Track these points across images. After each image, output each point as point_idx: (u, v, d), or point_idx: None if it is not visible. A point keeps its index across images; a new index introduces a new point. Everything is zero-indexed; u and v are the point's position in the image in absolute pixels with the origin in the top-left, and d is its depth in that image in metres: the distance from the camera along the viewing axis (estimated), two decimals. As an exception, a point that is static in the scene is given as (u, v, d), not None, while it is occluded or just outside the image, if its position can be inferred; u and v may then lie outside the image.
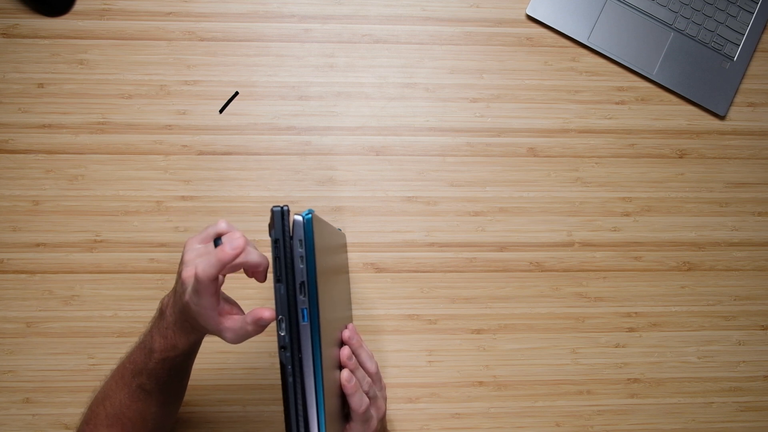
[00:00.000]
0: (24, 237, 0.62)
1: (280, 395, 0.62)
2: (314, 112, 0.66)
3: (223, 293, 0.44)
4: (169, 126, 0.64)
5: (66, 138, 0.64)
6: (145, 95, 0.65)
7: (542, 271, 0.65)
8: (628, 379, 0.65)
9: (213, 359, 0.62)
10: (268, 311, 0.39)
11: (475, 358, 0.64)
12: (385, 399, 0.49)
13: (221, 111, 0.65)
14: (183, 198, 0.64)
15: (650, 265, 0.66)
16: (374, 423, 0.45)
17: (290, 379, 0.36)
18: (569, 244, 0.66)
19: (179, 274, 0.43)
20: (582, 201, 0.67)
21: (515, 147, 0.67)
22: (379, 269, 0.64)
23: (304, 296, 0.37)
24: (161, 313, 0.45)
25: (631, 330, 0.65)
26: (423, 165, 0.66)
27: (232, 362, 0.62)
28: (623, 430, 0.64)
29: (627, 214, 0.67)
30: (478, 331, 0.64)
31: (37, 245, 0.62)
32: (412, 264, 0.64)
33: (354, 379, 0.43)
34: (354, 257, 0.64)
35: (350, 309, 0.60)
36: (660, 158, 0.68)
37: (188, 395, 0.61)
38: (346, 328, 0.48)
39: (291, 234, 0.36)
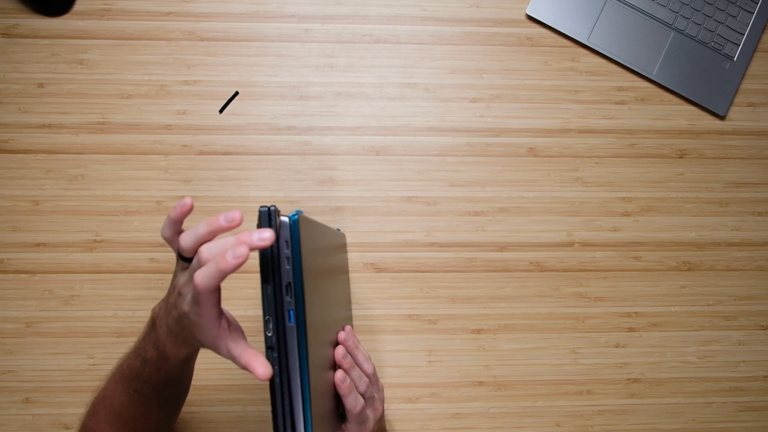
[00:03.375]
0: (24, 237, 0.62)
1: (280, 395, 0.62)
2: (314, 112, 0.66)
3: (226, 311, 0.42)
4: (169, 126, 0.64)
5: (66, 138, 0.64)
6: (145, 95, 0.65)
7: (542, 271, 0.65)
8: (628, 379, 0.65)
9: (213, 359, 0.62)
10: (261, 368, 0.36)
11: (475, 358, 0.64)
12: (382, 401, 0.49)
13: (221, 111, 0.65)
14: (183, 198, 0.63)
15: (650, 265, 0.66)
16: (371, 424, 0.45)
17: (277, 380, 0.36)
18: (569, 244, 0.66)
19: (173, 282, 0.40)
20: (582, 201, 0.67)
21: (515, 147, 0.67)
22: (379, 269, 0.64)
23: (291, 297, 0.37)
24: (153, 323, 0.43)
25: (631, 330, 0.65)
26: (423, 165, 0.66)
27: (233, 362, 0.62)
28: (623, 430, 0.64)
29: (627, 214, 0.67)
30: (478, 331, 0.64)
31: (37, 245, 0.62)
32: (412, 264, 0.64)
33: (348, 380, 0.42)
34: (354, 257, 0.64)
35: (350, 309, 0.60)
36: (660, 158, 0.68)
37: (189, 395, 0.61)
38: (342, 329, 0.47)
39: (278, 234, 0.36)
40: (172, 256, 0.63)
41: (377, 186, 0.65)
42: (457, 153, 0.66)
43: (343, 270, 0.57)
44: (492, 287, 0.65)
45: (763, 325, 0.66)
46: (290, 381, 0.37)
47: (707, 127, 0.69)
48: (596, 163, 0.67)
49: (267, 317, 0.36)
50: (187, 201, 0.40)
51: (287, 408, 0.36)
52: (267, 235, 0.35)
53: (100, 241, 0.63)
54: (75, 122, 0.64)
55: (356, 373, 0.45)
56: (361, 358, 0.47)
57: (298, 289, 0.37)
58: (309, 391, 0.37)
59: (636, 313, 0.66)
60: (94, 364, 0.61)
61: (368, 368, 0.47)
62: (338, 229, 0.59)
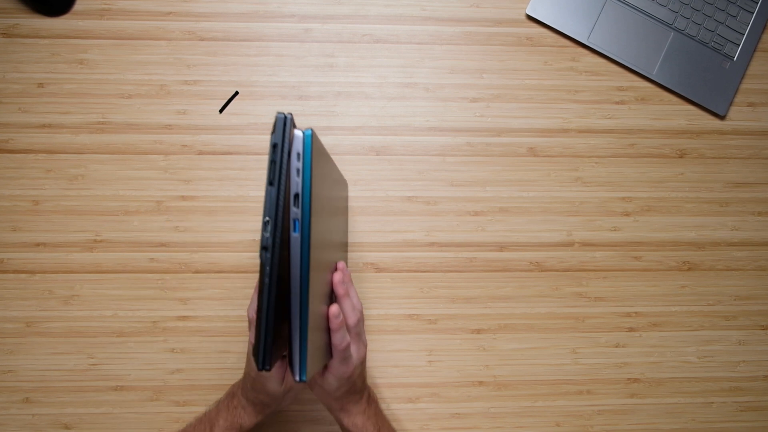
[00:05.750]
0: (24, 237, 0.62)
1: (280, 395, 0.62)
2: (314, 112, 0.66)
3: None
4: (169, 126, 0.64)
5: (66, 138, 0.64)
6: (145, 95, 0.65)
7: (542, 271, 0.65)
8: (628, 379, 0.65)
9: (213, 359, 0.62)
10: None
11: (475, 358, 0.64)
12: (365, 345, 0.49)
13: (221, 111, 0.65)
14: (183, 198, 0.63)
15: (650, 265, 0.66)
16: (353, 362, 0.45)
17: (266, 280, 0.36)
18: (569, 244, 0.66)
19: (249, 355, 0.47)
20: (582, 201, 0.67)
21: (515, 147, 0.67)
22: (379, 269, 0.64)
23: (298, 208, 0.37)
24: (232, 395, 0.49)
25: (631, 330, 0.65)
26: (423, 165, 0.66)
27: (232, 362, 0.62)
28: (623, 430, 0.64)
29: (627, 214, 0.67)
30: (478, 331, 0.64)
31: (37, 245, 0.62)
32: (412, 264, 0.64)
33: (341, 316, 0.42)
34: (354, 257, 0.64)
35: (346, 250, 0.60)
36: (660, 158, 0.68)
37: (188, 395, 0.61)
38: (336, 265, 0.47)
39: (290, 145, 0.36)
40: (172, 256, 0.63)
41: (377, 186, 0.65)
42: (457, 153, 0.66)
43: (342, 211, 0.56)
44: (492, 287, 0.65)
45: (763, 325, 0.66)
46: (290, 289, 0.37)
47: (707, 127, 0.69)
48: (596, 163, 0.67)
49: (266, 218, 0.36)
50: None
51: (271, 307, 0.36)
52: None
53: (100, 241, 0.63)
54: (75, 122, 0.64)
55: (349, 303, 0.45)
56: (353, 292, 0.47)
57: (305, 200, 0.37)
58: (308, 299, 0.36)
59: (636, 313, 0.65)
60: (94, 364, 0.61)
61: (358, 304, 0.47)
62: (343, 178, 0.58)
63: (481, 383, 0.63)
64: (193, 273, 0.62)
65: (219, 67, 0.65)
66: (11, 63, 0.64)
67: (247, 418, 0.48)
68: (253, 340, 0.43)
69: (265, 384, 0.45)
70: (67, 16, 0.65)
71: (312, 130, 0.37)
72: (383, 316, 0.63)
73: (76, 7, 0.65)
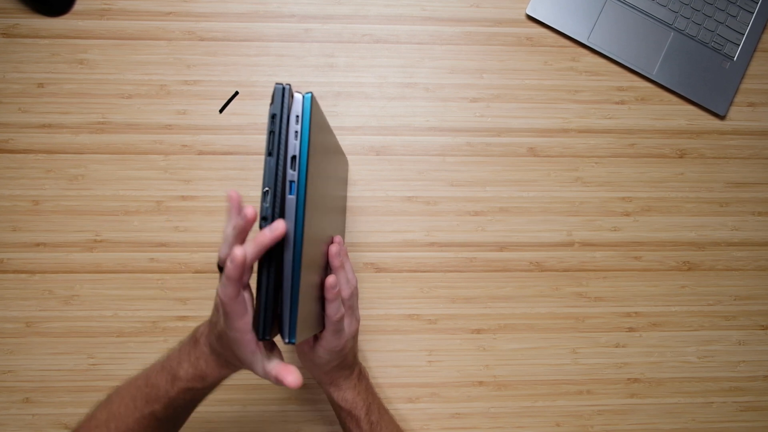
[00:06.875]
0: (24, 237, 0.62)
1: (280, 396, 0.62)
2: (314, 112, 0.66)
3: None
4: (169, 126, 0.64)
5: (66, 138, 0.64)
6: (145, 95, 0.65)
7: (542, 271, 0.65)
8: (628, 379, 0.65)
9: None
10: (291, 377, 0.38)
11: (475, 358, 0.64)
12: (358, 320, 0.48)
13: (221, 111, 0.65)
14: (183, 198, 0.64)
15: (650, 265, 0.66)
16: (345, 336, 0.45)
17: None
18: (569, 244, 0.66)
19: (215, 300, 0.42)
20: (582, 201, 0.67)
21: (515, 147, 0.67)
22: (379, 269, 0.64)
23: (294, 170, 0.37)
24: (195, 342, 0.44)
25: (631, 330, 0.65)
26: (423, 165, 0.66)
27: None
28: (623, 430, 0.64)
29: (627, 214, 0.67)
30: (478, 331, 0.64)
31: (37, 245, 0.62)
32: (412, 264, 0.64)
33: (337, 287, 0.42)
34: (354, 257, 0.64)
35: (343, 223, 0.60)
36: (660, 158, 0.68)
37: (188, 395, 0.61)
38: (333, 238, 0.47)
39: (289, 111, 0.37)
40: (172, 256, 0.63)
41: (377, 186, 0.65)
42: (457, 153, 0.66)
43: (342, 185, 0.57)
44: (492, 287, 0.65)
45: (763, 325, 0.66)
46: (282, 250, 0.37)
47: (707, 127, 0.69)
48: (596, 162, 0.67)
49: (266, 189, 0.37)
50: (249, 212, 0.38)
51: (272, 276, 0.37)
52: (279, 225, 0.36)
53: (100, 241, 0.63)
54: (75, 122, 0.64)
55: (344, 276, 0.45)
56: (348, 266, 0.47)
57: (303, 161, 0.37)
58: (300, 259, 0.37)
59: (636, 313, 0.66)
60: (93, 364, 0.61)
61: (353, 278, 0.47)
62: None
63: (481, 383, 0.63)
64: (193, 273, 0.63)
65: (219, 67, 0.65)
66: (11, 63, 0.64)
67: (209, 371, 0.43)
68: (220, 289, 0.39)
69: (232, 346, 0.40)
70: (67, 16, 0.65)
71: (312, 93, 0.38)
72: (383, 316, 0.63)
73: (76, 7, 0.65)
